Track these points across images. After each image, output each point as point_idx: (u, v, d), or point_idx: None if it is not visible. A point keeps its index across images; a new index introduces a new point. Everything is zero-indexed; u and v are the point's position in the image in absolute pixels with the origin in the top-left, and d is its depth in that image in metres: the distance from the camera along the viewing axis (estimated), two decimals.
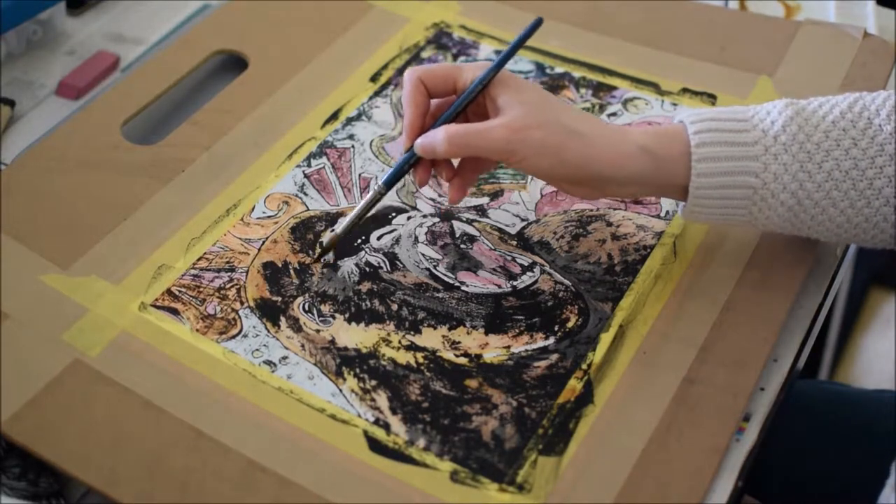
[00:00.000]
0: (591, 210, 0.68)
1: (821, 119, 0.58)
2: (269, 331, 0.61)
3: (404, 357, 0.60)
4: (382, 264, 0.65)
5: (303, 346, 0.60)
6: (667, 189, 0.60)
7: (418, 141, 0.61)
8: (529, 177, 0.70)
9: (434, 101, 0.63)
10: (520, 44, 0.65)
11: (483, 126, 0.59)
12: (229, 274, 0.64)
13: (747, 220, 0.59)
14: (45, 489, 0.56)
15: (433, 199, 0.69)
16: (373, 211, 0.64)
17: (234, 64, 0.80)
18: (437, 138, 0.60)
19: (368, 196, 0.63)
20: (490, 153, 0.59)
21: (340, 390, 0.58)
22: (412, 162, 0.62)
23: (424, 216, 0.68)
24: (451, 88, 0.62)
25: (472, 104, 0.62)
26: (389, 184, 0.62)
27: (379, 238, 0.66)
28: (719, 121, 0.59)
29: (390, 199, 0.68)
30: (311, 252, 0.65)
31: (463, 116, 0.62)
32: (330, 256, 0.65)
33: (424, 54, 0.80)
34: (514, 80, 0.61)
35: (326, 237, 0.65)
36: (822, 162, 0.57)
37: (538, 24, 0.66)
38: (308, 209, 0.68)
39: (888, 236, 0.59)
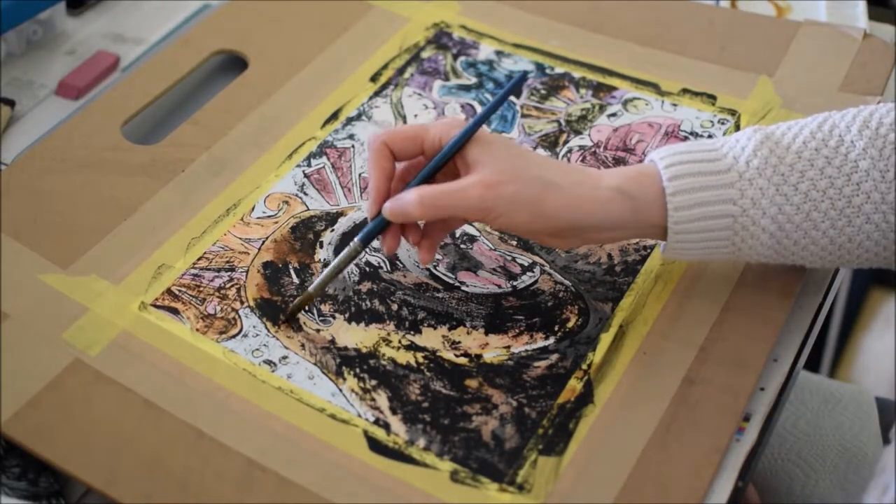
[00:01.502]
0: None
1: (791, 140, 0.57)
2: (269, 330, 0.61)
3: (404, 357, 0.60)
4: (382, 264, 0.65)
5: (303, 345, 0.60)
6: (647, 230, 0.59)
7: (387, 205, 0.59)
8: None
9: (401, 164, 0.61)
10: (499, 102, 0.63)
11: (457, 185, 0.57)
12: (229, 273, 0.64)
13: (731, 251, 0.58)
14: (45, 489, 0.56)
15: None
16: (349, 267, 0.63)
17: (234, 64, 0.80)
18: (410, 201, 0.57)
19: (344, 253, 0.60)
20: (466, 213, 0.57)
21: (340, 390, 0.58)
22: (383, 226, 0.60)
23: None
24: (418, 149, 0.60)
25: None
26: (365, 241, 0.60)
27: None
28: (689, 153, 0.58)
29: None
30: (315, 258, 0.65)
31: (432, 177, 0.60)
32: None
33: (424, 54, 0.80)
34: (482, 135, 0.59)
35: (298, 299, 0.61)
36: (798, 183, 0.56)
37: (522, 79, 0.64)
38: (308, 209, 0.68)
39: (873, 255, 0.58)
